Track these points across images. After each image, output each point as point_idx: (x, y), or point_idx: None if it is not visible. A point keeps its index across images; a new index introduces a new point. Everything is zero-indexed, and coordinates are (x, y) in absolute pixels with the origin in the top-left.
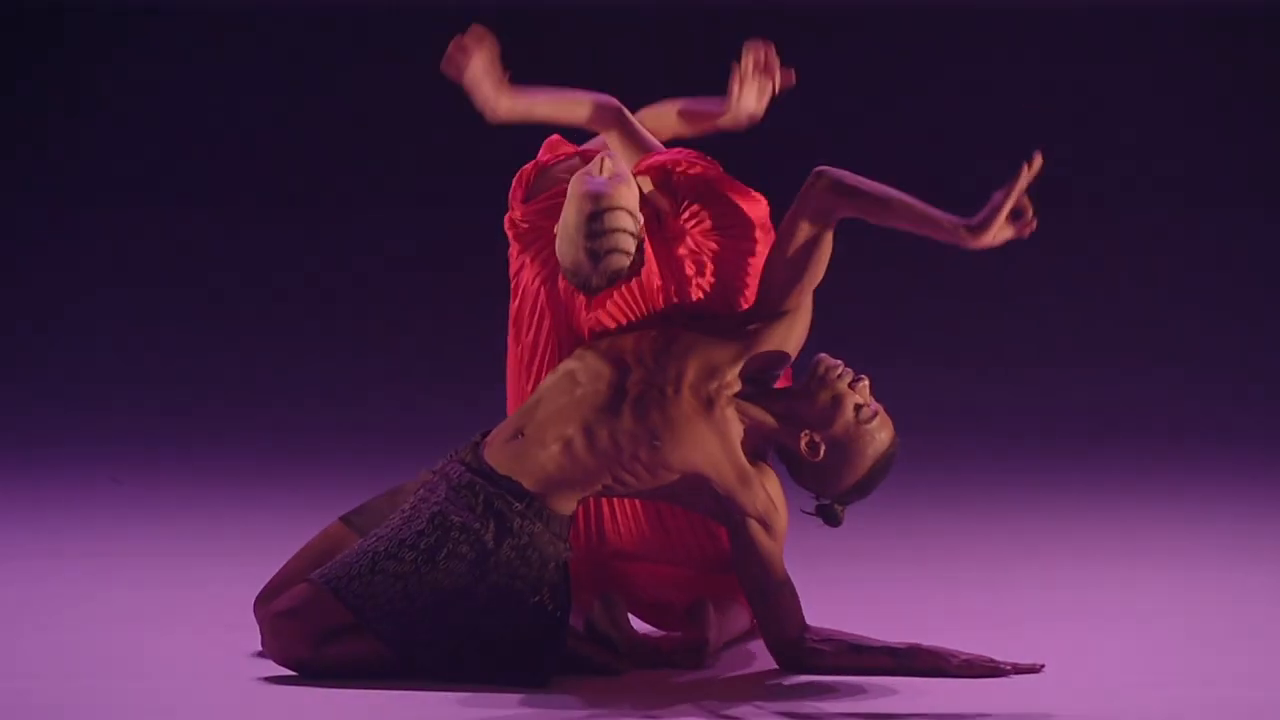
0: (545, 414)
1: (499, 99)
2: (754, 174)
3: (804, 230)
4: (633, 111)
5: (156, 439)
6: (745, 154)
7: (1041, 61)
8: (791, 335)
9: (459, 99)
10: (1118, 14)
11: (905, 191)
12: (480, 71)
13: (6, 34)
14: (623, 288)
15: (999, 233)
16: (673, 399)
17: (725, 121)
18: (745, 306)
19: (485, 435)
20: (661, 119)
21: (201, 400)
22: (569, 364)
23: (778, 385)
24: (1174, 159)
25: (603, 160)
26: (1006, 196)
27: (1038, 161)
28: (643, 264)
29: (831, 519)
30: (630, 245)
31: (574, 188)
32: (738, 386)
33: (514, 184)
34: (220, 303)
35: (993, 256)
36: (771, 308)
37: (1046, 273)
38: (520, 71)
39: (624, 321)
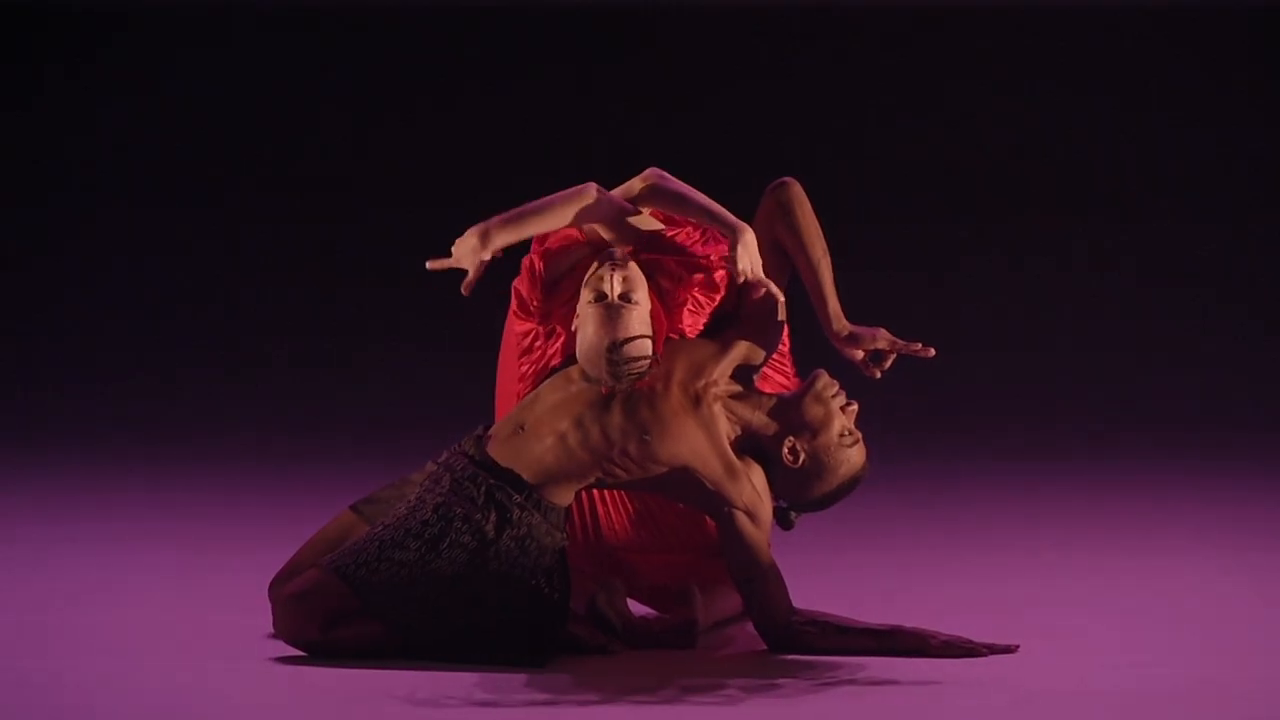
0: (543, 409)
1: (487, 244)
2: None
3: (766, 235)
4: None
5: (170, 431)
6: (740, 158)
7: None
8: (764, 335)
9: (457, 97)
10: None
11: (830, 259)
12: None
13: None
14: None
15: (854, 352)
16: (661, 395)
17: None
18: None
19: (488, 428)
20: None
21: (214, 393)
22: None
23: (780, 389)
24: (1174, 158)
25: (613, 274)
26: (888, 343)
27: (930, 352)
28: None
29: (785, 523)
30: (648, 361)
31: (590, 310)
32: (725, 385)
33: (526, 276)
34: (232, 299)
35: (993, 257)
36: (743, 309)
37: (1043, 266)
38: (519, 73)
39: None
